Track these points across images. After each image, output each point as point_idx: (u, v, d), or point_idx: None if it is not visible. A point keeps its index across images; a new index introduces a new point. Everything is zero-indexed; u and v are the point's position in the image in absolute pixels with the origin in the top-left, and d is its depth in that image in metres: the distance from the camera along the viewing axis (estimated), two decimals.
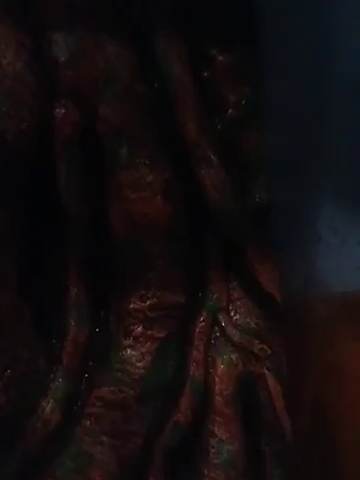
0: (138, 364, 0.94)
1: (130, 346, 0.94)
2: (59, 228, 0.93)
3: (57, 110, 0.91)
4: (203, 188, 0.93)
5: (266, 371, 0.96)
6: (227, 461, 0.95)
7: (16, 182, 0.90)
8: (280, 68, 0.90)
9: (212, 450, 0.95)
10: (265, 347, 0.96)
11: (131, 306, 0.94)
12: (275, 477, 0.96)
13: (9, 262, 0.90)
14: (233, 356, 0.96)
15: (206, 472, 0.95)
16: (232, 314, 0.97)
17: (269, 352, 0.96)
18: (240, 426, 0.96)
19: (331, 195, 0.92)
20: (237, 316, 0.97)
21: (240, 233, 0.94)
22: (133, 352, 0.94)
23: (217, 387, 0.95)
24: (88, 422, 0.94)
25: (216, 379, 0.95)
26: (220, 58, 0.93)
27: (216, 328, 0.97)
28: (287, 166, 0.91)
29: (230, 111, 0.92)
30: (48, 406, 0.93)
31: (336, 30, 0.89)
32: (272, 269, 0.94)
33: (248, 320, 0.96)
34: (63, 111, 0.90)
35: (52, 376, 0.93)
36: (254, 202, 0.95)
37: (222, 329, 0.96)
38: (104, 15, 0.91)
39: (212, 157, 0.92)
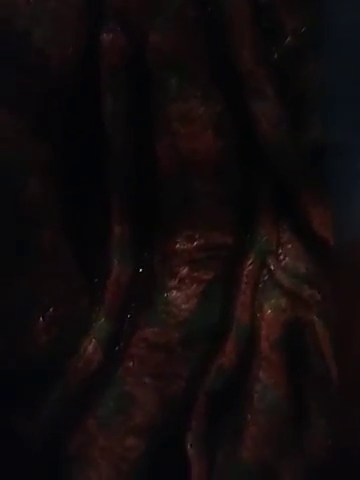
0: (183, 306, 0.82)
1: (175, 287, 0.82)
2: (103, 162, 0.78)
3: (104, 35, 0.77)
4: (257, 122, 0.80)
5: (315, 317, 0.83)
6: (271, 407, 0.84)
7: (60, 111, 0.75)
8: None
9: (256, 395, 0.84)
10: (315, 293, 0.83)
11: (177, 246, 0.82)
12: (319, 426, 0.85)
13: (51, 197, 0.76)
14: (281, 301, 0.83)
15: (249, 417, 0.84)
16: (281, 257, 0.84)
17: (319, 298, 0.82)
18: (286, 373, 0.84)
19: None
20: (287, 260, 0.84)
21: (293, 172, 0.79)
22: (178, 294, 0.81)
23: (264, 332, 0.84)
24: (131, 363, 0.83)
25: (263, 324, 0.84)
26: None
27: (264, 271, 0.84)
28: (345, 100, 0.74)
29: (288, 39, 0.76)
30: (90, 346, 0.82)
31: None
32: (325, 212, 0.80)
33: (298, 264, 0.84)
34: (111, 36, 0.77)
35: (94, 316, 0.82)
36: (309, 140, 0.78)
37: (271, 273, 0.84)
38: None
39: (267, 89, 0.77)
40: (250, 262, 0.83)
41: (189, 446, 0.82)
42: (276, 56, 0.79)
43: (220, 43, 0.78)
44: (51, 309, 0.79)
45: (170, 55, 0.77)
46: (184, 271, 0.82)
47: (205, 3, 0.77)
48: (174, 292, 0.82)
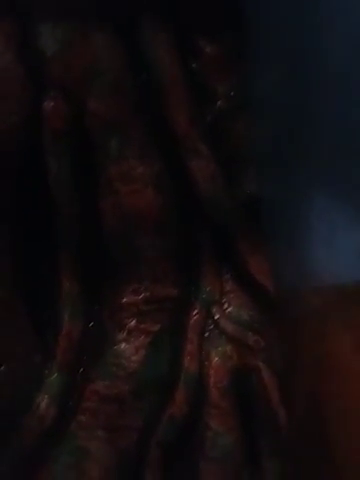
0: (132, 358, 0.78)
1: (124, 340, 0.79)
2: (50, 223, 0.75)
3: (46, 103, 0.76)
4: (193, 180, 0.78)
5: (261, 363, 0.80)
6: (223, 454, 0.80)
7: (6, 176, 0.73)
8: (267, 60, 0.73)
9: (208, 443, 0.80)
10: (259, 339, 0.80)
11: (124, 300, 0.79)
12: (271, 470, 0.80)
13: (2, 258, 0.73)
14: (227, 348, 0.81)
15: (202, 465, 0.80)
16: (225, 306, 0.82)
17: (263, 344, 0.80)
18: (236, 419, 0.81)
19: (321, 186, 0.75)
20: (230, 308, 0.81)
21: (231, 225, 0.78)
22: (127, 346, 0.78)
23: (212, 379, 0.80)
24: (83, 417, 0.79)
25: (211, 371, 0.80)
26: (208, 49, 0.78)
27: (210, 321, 0.82)
28: (276, 157, 0.75)
29: (219, 102, 0.77)
30: (43, 402, 0.78)
31: (324, 22, 0.72)
32: (263, 260, 0.78)
33: (241, 312, 0.81)
34: (52, 104, 0.75)
35: (47, 371, 0.78)
36: (244, 194, 0.78)
37: (216, 322, 0.81)
38: (91, 7, 0.76)
39: (202, 148, 0.76)
40: (195, 312, 0.81)
41: None
42: (209, 118, 0.78)
43: (156, 107, 0.77)
44: (3, 366, 0.75)
45: (108, 119, 0.76)
46: (132, 323, 0.79)
47: (140, 71, 0.76)
48: (123, 344, 0.79)
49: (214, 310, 0.81)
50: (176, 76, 0.76)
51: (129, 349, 0.77)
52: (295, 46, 0.76)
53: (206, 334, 0.80)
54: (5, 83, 0.73)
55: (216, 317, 0.80)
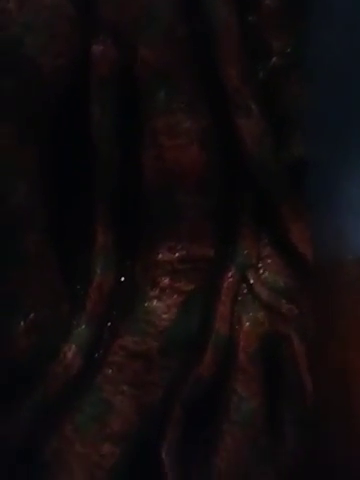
0: (163, 316, 0.72)
1: (156, 297, 0.73)
2: (90, 171, 0.68)
3: (95, 46, 0.69)
4: (241, 138, 0.71)
5: (292, 331, 0.74)
6: (246, 419, 0.75)
7: (49, 118, 0.66)
8: (329, 17, 0.64)
9: (232, 406, 0.75)
10: (293, 307, 0.73)
11: (159, 257, 0.72)
12: (293, 437, 0.75)
13: (37, 202, 0.67)
14: (259, 314, 0.74)
15: (224, 428, 0.75)
16: (261, 272, 0.75)
17: (296, 312, 0.73)
18: (262, 385, 0.75)
19: None
20: (266, 274, 0.75)
21: (275, 188, 0.70)
22: (159, 303, 0.72)
23: (241, 344, 0.74)
24: (110, 370, 0.73)
25: (241, 336, 0.75)
26: (267, 2, 0.71)
27: (244, 285, 0.75)
28: (327, 121, 0.66)
29: (274, 59, 0.69)
30: (70, 351, 0.72)
31: None
32: (305, 228, 0.71)
33: (277, 279, 0.74)
34: (101, 48, 0.68)
35: (75, 322, 0.72)
36: (291, 157, 0.70)
37: (250, 286, 0.74)
38: None
39: (252, 106, 0.68)
40: (230, 275, 0.74)
41: (164, 455, 0.73)
42: (262, 75, 0.71)
43: (207, 60, 0.69)
44: (32, 314, 0.70)
45: (158, 69, 0.69)
46: (165, 281, 0.73)
47: (194, 21, 0.69)
48: (155, 302, 0.73)
49: (249, 274, 0.74)
50: (231, 28, 0.68)
51: (160, 307, 0.72)
52: (357, 7, 0.67)
53: (239, 298, 0.74)
54: (55, 22, 0.65)
55: (251, 282, 0.74)
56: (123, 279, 0.72)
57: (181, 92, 0.68)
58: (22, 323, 0.68)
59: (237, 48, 0.67)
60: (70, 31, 0.65)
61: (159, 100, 0.68)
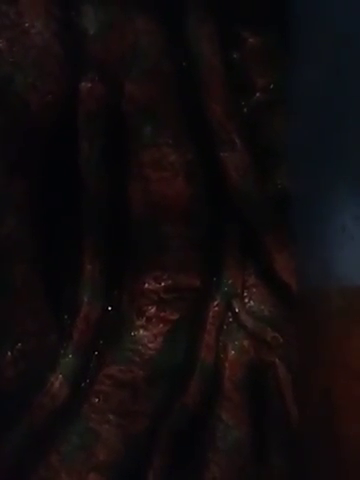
0: (150, 345, 0.67)
1: (142, 326, 0.67)
2: (78, 203, 0.65)
3: (83, 83, 0.64)
4: (225, 171, 0.66)
5: (277, 360, 0.68)
6: (232, 447, 0.69)
7: (38, 153, 0.63)
8: (312, 53, 0.61)
9: (218, 435, 0.69)
10: (278, 336, 0.68)
11: (146, 286, 0.67)
12: (279, 465, 0.68)
13: (25, 233, 0.63)
14: (245, 342, 0.69)
15: (211, 456, 0.68)
16: (246, 300, 0.70)
17: (281, 341, 0.68)
18: (247, 413, 0.69)
19: (351, 187, 0.63)
20: (251, 303, 0.69)
21: (259, 219, 0.66)
22: (145, 333, 0.67)
23: (227, 372, 0.69)
24: (96, 400, 0.67)
25: (226, 364, 0.69)
26: (250, 40, 0.65)
27: (229, 314, 0.70)
28: (312, 153, 0.62)
29: (257, 95, 0.64)
30: (57, 381, 0.67)
31: None
32: (289, 258, 0.67)
33: (262, 308, 0.69)
34: (89, 85, 0.63)
35: (62, 352, 0.67)
36: (275, 189, 0.66)
37: (235, 315, 0.69)
38: None
39: (236, 140, 0.64)
40: (216, 304, 0.69)
41: None
42: (245, 110, 0.67)
43: (192, 96, 0.65)
44: (19, 343, 0.65)
45: (144, 104, 0.65)
46: (152, 310, 0.69)
47: (179, 58, 0.65)
48: (141, 331, 0.68)
49: (235, 303, 0.69)
50: (216, 66, 0.64)
51: (147, 336, 0.67)
52: (339, 42, 0.63)
53: (225, 327, 0.69)
54: (43, 62, 0.62)
55: (236, 310, 0.69)
56: (110, 308, 0.68)
57: (167, 127, 0.64)
58: (9, 353, 0.63)
59: (221, 84, 0.64)
60: (58, 69, 0.61)
61: (145, 134, 0.64)
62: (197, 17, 0.62)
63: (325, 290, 0.67)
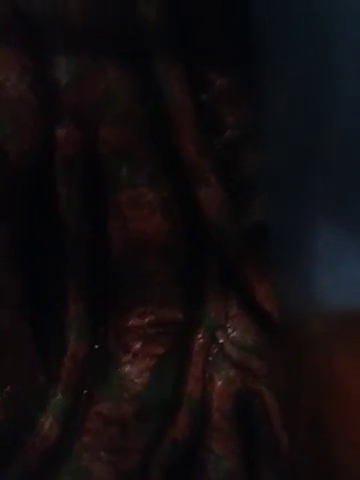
0: (136, 380, 0.66)
1: (129, 362, 0.67)
2: (59, 245, 0.66)
3: (59, 131, 0.65)
4: (202, 208, 0.66)
5: (264, 388, 0.68)
6: (224, 477, 0.68)
7: (17, 200, 0.64)
8: (277, 88, 0.63)
9: (210, 466, 0.68)
10: (263, 364, 0.68)
11: (130, 323, 0.67)
12: None
13: (9, 278, 0.63)
14: (231, 373, 0.68)
15: None
16: (230, 331, 0.69)
17: (267, 369, 0.67)
18: (238, 442, 0.68)
19: (328, 212, 0.65)
20: (235, 333, 0.69)
21: (237, 251, 0.66)
22: (132, 368, 0.67)
23: (215, 404, 0.68)
24: (87, 438, 0.66)
25: (214, 396, 0.68)
26: (218, 81, 0.67)
27: (214, 345, 0.69)
28: (283, 184, 0.64)
29: (228, 132, 0.66)
30: (47, 422, 0.66)
31: (334, 48, 0.61)
32: (269, 287, 0.67)
33: (246, 337, 0.69)
34: (65, 132, 0.64)
35: (51, 392, 0.66)
36: (251, 222, 0.67)
37: (220, 346, 0.69)
38: (105, 40, 0.65)
39: (211, 178, 0.65)
40: (200, 336, 0.69)
41: None
42: (218, 147, 0.68)
43: (166, 137, 0.66)
44: (8, 387, 0.65)
45: (119, 147, 0.66)
46: (137, 346, 0.69)
47: (151, 102, 0.67)
48: (128, 367, 0.68)
49: (218, 334, 0.69)
50: (186, 107, 0.65)
51: (133, 371, 0.67)
52: (303, 75, 0.65)
53: (210, 358, 0.69)
54: (19, 113, 0.63)
55: (220, 341, 0.69)
56: (97, 346, 0.68)
57: (142, 167, 0.65)
58: None
59: (193, 125, 0.65)
60: (33, 119, 0.63)
61: (122, 176, 0.65)
62: (165, 61, 0.63)
63: (306, 316, 0.68)
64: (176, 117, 0.64)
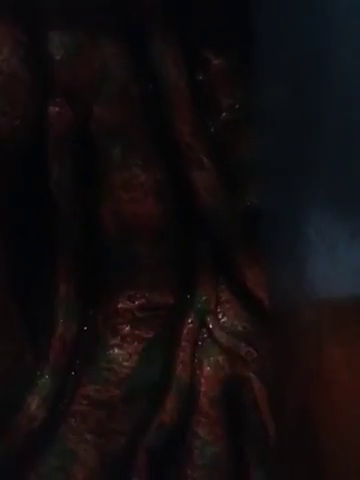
0: (125, 364, 0.64)
1: (117, 345, 0.65)
2: (50, 225, 0.63)
3: (51, 108, 0.62)
4: (195, 190, 0.64)
5: (252, 375, 0.66)
6: (211, 463, 0.66)
7: (8, 177, 0.61)
8: (275, 72, 0.60)
9: (196, 451, 0.66)
10: (252, 350, 0.66)
11: (119, 306, 0.65)
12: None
13: None
14: (220, 358, 0.66)
15: (190, 473, 0.66)
16: (220, 316, 0.67)
17: (255, 355, 0.66)
18: (225, 428, 0.66)
19: (321, 199, 0.62)
20: (225, 319, 0.67)
21: (229, 236, 0.64)
22: (120, 351, 0.64)
23: (203, 389, 0.66)
24: (73, 420, 0.64)
25: (202, 381, 0.66)
26: (215, 62, 0.63)
27: (204, 330, 0.67)
28: (277, 169, 0.61)
29: (224, 114, 0.63)
30: (34, 403, 0.64)
31: (333, 32, 0.59)
32: (260, 273, 0.65)
33: (236, 323, 0.67)
34: (57, 109, 0.61)
35: (39, 373, 0.64)
36: (245, 206, 0.64)
37: (210, 331, 0.67)
38: (101, 15, 0.62)
39: (204, 160, 0.62)
40: (190, 321, 0.67)
41: None
42: (213, 130, 0.66)
43: (161, 117, 0.63)
44: None
45: (113, 127, 0.63)
46: (126, 329, 0.66)
47: (147, 81, 0.64)
48: (116, 350, 0.66)
49: (208, 320, 0.67)
50: (182, 88, 0.63)
51: (122, 355, 0.65)
52: (302, 60, 0.63)
53: (199, 343, 0.67)
54: (11, 88, 0.60)
55: (210, 327, 0.67)
56: (85, 328, 0.66)
57: (136, 148, 0.63)
58: None
59: (188, 106, 0.62)
60: (26, 95, 0.60)
61: (114, 156, 0.63)
62: (162, 40, 0.61)
63: (297, 304, 0.66)
64: (171, 97, 0.61)
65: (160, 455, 0.64)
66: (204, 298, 0.66)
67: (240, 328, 0.66)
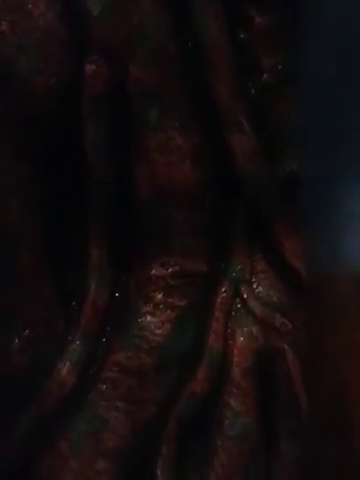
0: (157, 331, 0.62)
1: (149, 313, 0.63)
2: (83, 188, 0.60)
3: (87, 66, 0.58)
4: (233, 155, 0.60)
5: (286, 346, 0.63)
6: (241, 434, 0.64)
7: (42, 137, 0.58)
8: (321, 32, 0.56)
9: (227, 422, 0.64)
10: (286, 322, 0.63)
11: (152, 272, 0.62)
12: (288, 453, 0.64)
13: (31, 220, 0.59)
14: (253, 329, 0.64)
15: (220, 443, 0.64)
16: (255, 286, 0.64)
17: (290, 327, 0.63)
18: (256, 399, 0.64)
19: None
20: (259, 289, 0.64)
21: (268, 204, 0.61)
22: (152, 319, 0.63)
23: (235, 359, 0.64)
24: (104, 386, 0.63)
25: (235, 351, 0.64)
26: (258, 20, 0.60)
27: (237, 300, 0.65)
28: (321, 137, 0.58)
29: (265, 76, 0.59)
30: (64, 368, 0.62)
31: None
32: (298, 243, 0.61)
33: (271, 294, 0.64)
34: (93, 67, 0.58)
35: (70, 338, 0.62)
36: (284, 173, 0.61)
37: (244, 301, 0.64)
38: None
39: (244, 123, 0.59)
40: (224, 290, 0.64)
41: (159, 471, 0.64)
42: (253, 92, 0.62)
43: (199, 78, 0.59)
44: (27, 331, 0.61)
45: (150, 87, 0.60)
46: (159, 297, 0.64)
47: (186, 39, 0.60)
48: (148, 317, 0.64)
49: (243, 289, 0.64)
50: (222, 46, 0.59)
51: (154, 322, 0.62)
52: (350, 21, 0.58)
53: (233, 313, 0.64)
54: (47, 44, 0.57)
55: (244, 296, 0.64)
56: (117, 295, 0.63)
57: (173, 110, 0.59)
58: (17, 340, 0.59)
59: (228, 66, 0.59)
60: (62, 52, 0.57)
61: (151, 118, 0.59)
62: None
63: (334, 276, 0.62)
64: (210, 55, 0.57)
65: (191, 425, 0.62)
66: (239, 267, 0.63)
67: (275, 299, 0.63)
